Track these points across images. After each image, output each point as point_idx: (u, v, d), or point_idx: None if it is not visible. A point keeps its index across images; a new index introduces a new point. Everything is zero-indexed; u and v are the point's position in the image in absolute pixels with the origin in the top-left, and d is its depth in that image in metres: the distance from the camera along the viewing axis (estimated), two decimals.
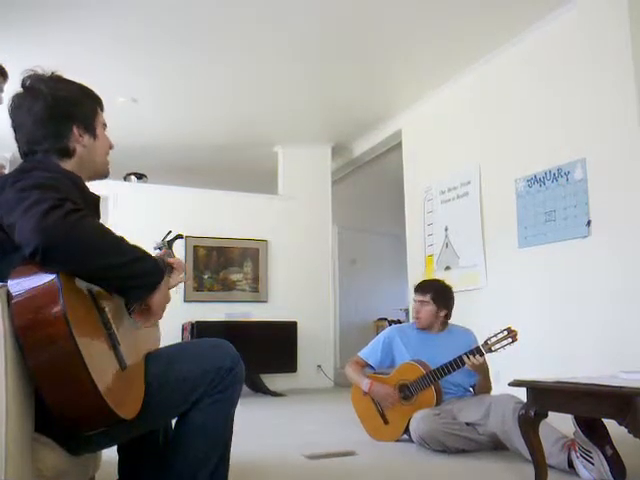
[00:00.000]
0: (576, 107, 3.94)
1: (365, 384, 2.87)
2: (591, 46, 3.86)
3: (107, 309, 1.31)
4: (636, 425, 1.56)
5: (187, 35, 4.28)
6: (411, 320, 5.47)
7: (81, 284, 1.24)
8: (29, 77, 1.44)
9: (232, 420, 1.52)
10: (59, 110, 1.43)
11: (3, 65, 2.40)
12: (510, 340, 2.48)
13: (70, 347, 1.12)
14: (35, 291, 1.16)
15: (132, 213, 5.67)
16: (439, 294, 2.93)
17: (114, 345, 1.28)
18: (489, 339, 2.52)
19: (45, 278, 1.16)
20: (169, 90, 5.22)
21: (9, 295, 1.17)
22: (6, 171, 2.46)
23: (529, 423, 1.93)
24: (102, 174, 1.56)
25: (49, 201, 1.18)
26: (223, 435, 1.49)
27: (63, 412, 1.18)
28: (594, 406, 1.76)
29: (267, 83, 5.12)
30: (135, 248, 1.30)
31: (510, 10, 4.06)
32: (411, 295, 5.59)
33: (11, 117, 1.44)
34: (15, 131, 1.45)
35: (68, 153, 1.45)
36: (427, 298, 2.90)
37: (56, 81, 1.46)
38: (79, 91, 1.51)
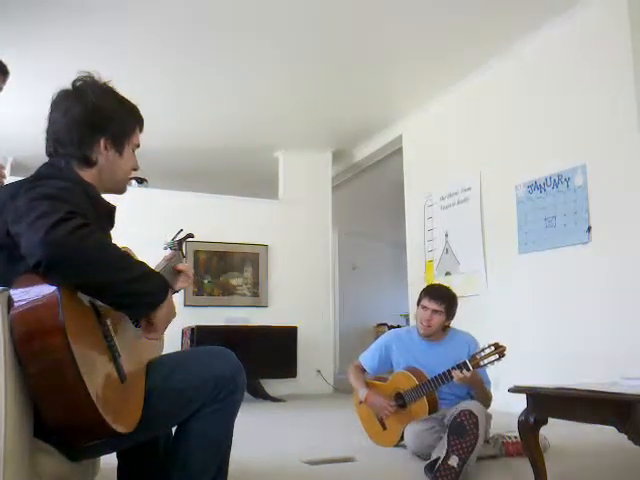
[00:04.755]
0: (576, 113, 3.94)
1: (362, 394, 2.86)
2: (590, 53, 3.87)
3: (109, 320, 1.31)
4: (636, 432, 1.56)
5: (188, 42, 4.30)
6: (411, 323, 5.51)
7: (83, 295, 1.24)
8: (81, 79, 1.45)
9: (232, 430, 1.51)
10: (93, 119, 1.43)
11: (4, 63, 2.41)
12: (497, 356, 2.46)
13: (67, 359, 1.12)
14: (35, 303, 1.17)
15: (132, 217, 5.67)
16: (452, 305, 2.81)
17: (114, 357, 1.28)
18: (477, 354, 2.50)
19: (46, 290, 1.17)
20: (170, 95, 5.24)
21: (10, 304, 1.17)
22: (6, 172, 2.45)
23: (529, 430, 1.93)
24: (119, 191, 1.57)
25: (58, 213, 1.18)
26: (222, 444, 1.49)
27: (59, 424, 1.18)
28: (594, 413, 1.75)
29: (268, 88, 5.13)
30: (139, 265, 1.30)
31: (509, 18, 4.07)
32: (411, 300, 5.63)
33: (50, 110, 1.44)
34: (47, 126, 1.45)
35: (89, 163, 1.44)
36: (442, 308, 2.76)
37: (104, 91, 1.48)
38: (121, 106, 1.51)
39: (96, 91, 1.45)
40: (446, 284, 5.05)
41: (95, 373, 1.19)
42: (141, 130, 1.57)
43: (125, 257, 1.26)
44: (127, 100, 1.54)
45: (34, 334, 1.15)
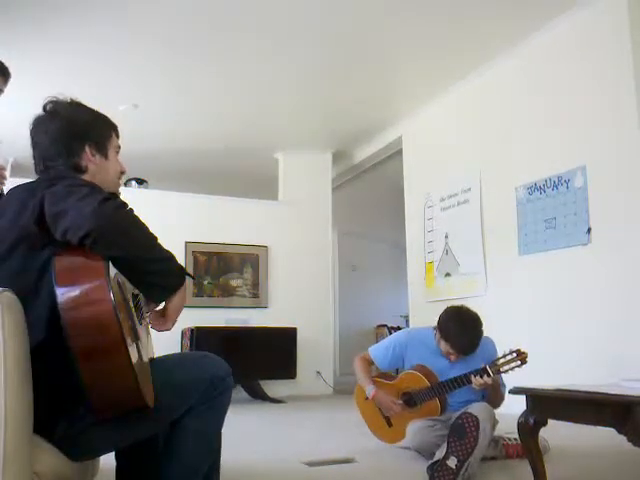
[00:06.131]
0: (576, 114, 3.95)
1: (369, 390, 2.80)
2: (591, 54, 3.87)
3: (131, 303, 1.38)
4: (636, 434, 1.56)
5: (188, 43, 4.30)
6: (411, 325, 5.49)
7: (113, 275, 1.30)
8: (50, 102, 1.56)
9: (221, 428, 1.57)
10: (74, 130, 1.53)
11: (6, 65, 2.41)
12: (519, 363, 2.43)
13: (119, 338, 1.20)
14: (87, 287, 1.23)
15: None
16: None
17: (136, 337, 1.35)
18: (497, 360, 2.47)
19: (96, 270, 1.23)
20: (170, 96, 5.24)
21: (59, 285, 1.22)
22: (7, 172, 2.45)
23: (528, 431, 1.93)
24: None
25: (101, 194, 1.30)
26: (214, 442, 1.56)
27: (101, 396, 1.23)
28: (593, 414, 1.75)
29: (268, 89, 5.13)
30: (165, 248, 1.40)
31: (510, 19, 4.08)
32: (411, 301, 5.63)
33: (30, 136, 1.55)
34: (33, 149, 1.55)
35: (80, 169, 1.52)
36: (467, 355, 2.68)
37: (74, 105, 1.58)
38: (94, 115, 1.61)
39: (67, 107, 1.56)
40: (445, 285, 5.10)
41: (130, 345, 1.26)
42: (117, 136, 1.66)
43: (157, 238, 1.37)
44: (96, 110, 1.64)
45: (84, 302, 1.21)
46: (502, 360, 2.46)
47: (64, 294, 1.21)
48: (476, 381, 2.46)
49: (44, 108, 1.55)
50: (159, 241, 1.37)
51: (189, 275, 1.47)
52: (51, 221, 1.29)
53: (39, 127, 1.53)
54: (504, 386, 2.67)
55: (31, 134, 1.54)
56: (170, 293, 1.42)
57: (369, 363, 2.92)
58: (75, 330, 1.19)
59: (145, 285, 1.40)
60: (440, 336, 2.67)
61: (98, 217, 1.23)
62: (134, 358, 1.26)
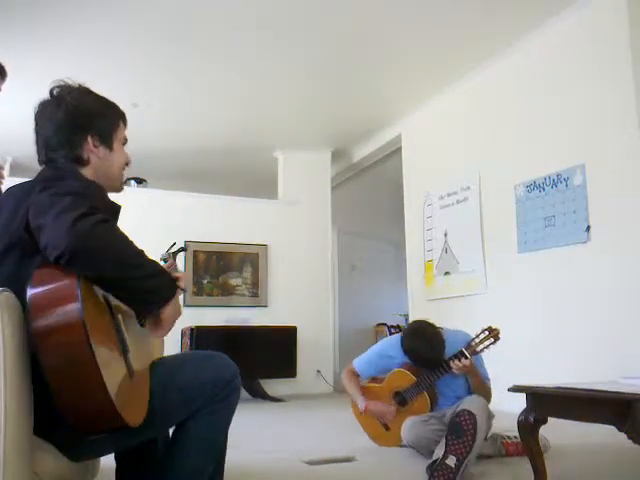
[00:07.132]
0: (575, 113, 3.95)
1: (360, 403, 2.83)
2: (590, 52, 3.87)
3: (120, 315, 1.34)
4: (636, 431, 1.56)
5: (188, 42, 4.29)
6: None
7: (97, 289, 1.26)
8: (57, 86, 1.50)
9: (227, 431, 1.54)
10: (77, 120, 1.48)
11: (3, 64, 2.40)
12: (492, 340, 2.48)
13: (86, 352, 1.15)
14: (56, 295, 1.19)
15: (132, 218, 5.66)
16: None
17: (124, 351, 1.30)
18: (472, 341, 2.52)
19: (66, 282, 1.19)
20: (169, 95, 5.24)
21: (29, 297, 1.19)
22: (5, 172, 2.44)
23: (528, 429, 1.93)
24: (116, 188, 1.60)
25: (81, 208, 1.22)
26: (219, 445, 1.52)
27: (72, 414, 1.19)
28: (593, 412, 1.76)
29: (267, 88, 5.13)
30: (153, 262, 1.34)
31: (509, 17, 4.07)
32: (411, 300, 5.63)
33: (35, 121, 1.50)
34: (36, 135, 1.50)
35: (82, 162, 1.48)
36: None
37: (81, 92, 1.52)
38: (102, 104, 1.56)
39: (73, 93, 1.50)
40: (445, 283, 5.10)
41: (110, 367, 1.21)
42: (125, 125, 1.62)
43: (141, 254, 1.31)
44: (105, 97, 1.58)
45: (54, 327, 1.16)
46: (476, 340, 2.51)
47: (31, 299, 1.18)
48: (455, 365, 2.50)
49: (51, 92, 1.50)
50: (144, 256, 1.31)
51: (180, 288, 1.42)
52: (35, 232, 1.26)
53: (43, 113, 1.49)
54: (488, 380, 2.70)
55: (35, 118, 1.50)
56: (160, 307, 1.36)
57: (357, 375, 2.94)
58: (41, 342, 1.16)
59: (133, 301, 1.35)
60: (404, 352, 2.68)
61: (72, 237, 1.17)
62: (115, 370, 1.22)
